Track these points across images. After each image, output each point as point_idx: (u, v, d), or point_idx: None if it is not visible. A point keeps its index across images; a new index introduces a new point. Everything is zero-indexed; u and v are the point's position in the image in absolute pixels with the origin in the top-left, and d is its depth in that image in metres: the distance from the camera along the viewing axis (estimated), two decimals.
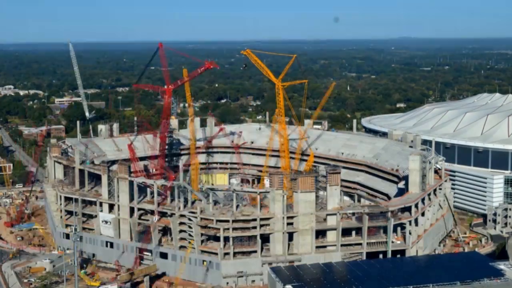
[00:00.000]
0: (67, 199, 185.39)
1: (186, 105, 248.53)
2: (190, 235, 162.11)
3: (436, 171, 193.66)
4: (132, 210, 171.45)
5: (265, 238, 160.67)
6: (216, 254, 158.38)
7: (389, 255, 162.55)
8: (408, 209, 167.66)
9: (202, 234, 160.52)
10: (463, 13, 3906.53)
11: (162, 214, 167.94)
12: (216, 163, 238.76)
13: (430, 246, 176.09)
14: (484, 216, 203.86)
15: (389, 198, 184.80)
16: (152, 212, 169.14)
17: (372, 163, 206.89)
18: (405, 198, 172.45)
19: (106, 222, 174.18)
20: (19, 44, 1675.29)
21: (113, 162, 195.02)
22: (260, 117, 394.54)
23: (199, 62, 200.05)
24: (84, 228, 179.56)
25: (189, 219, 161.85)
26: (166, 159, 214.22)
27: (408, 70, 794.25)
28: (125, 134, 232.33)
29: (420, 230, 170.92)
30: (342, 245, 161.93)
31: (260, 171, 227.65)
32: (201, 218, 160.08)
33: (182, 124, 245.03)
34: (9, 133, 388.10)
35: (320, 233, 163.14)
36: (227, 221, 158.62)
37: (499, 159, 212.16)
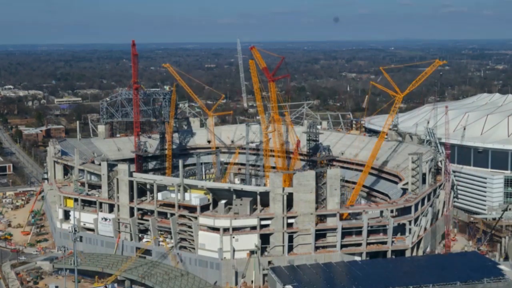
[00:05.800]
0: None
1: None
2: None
3: (437, 171, 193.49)
4: (132, 210, 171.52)
5: (266, 238, 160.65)
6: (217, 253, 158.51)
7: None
8: (408, 209, 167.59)
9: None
10: (463, 13, 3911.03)
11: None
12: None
13: (430, 246, 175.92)
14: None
15: (389, 198, 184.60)
16: (152, 212, 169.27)
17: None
18: (405, 198, 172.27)
19: (106, 219, 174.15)
20: (19, 44, 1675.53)
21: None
22: (259, 117, 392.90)
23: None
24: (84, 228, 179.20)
25: (189, 219, 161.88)
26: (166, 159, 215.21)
27: (408, 71, 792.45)
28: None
29: (420, 230, 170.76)
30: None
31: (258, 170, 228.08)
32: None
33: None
34: (9, 133, 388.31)
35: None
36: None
37: (499, 159, 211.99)
